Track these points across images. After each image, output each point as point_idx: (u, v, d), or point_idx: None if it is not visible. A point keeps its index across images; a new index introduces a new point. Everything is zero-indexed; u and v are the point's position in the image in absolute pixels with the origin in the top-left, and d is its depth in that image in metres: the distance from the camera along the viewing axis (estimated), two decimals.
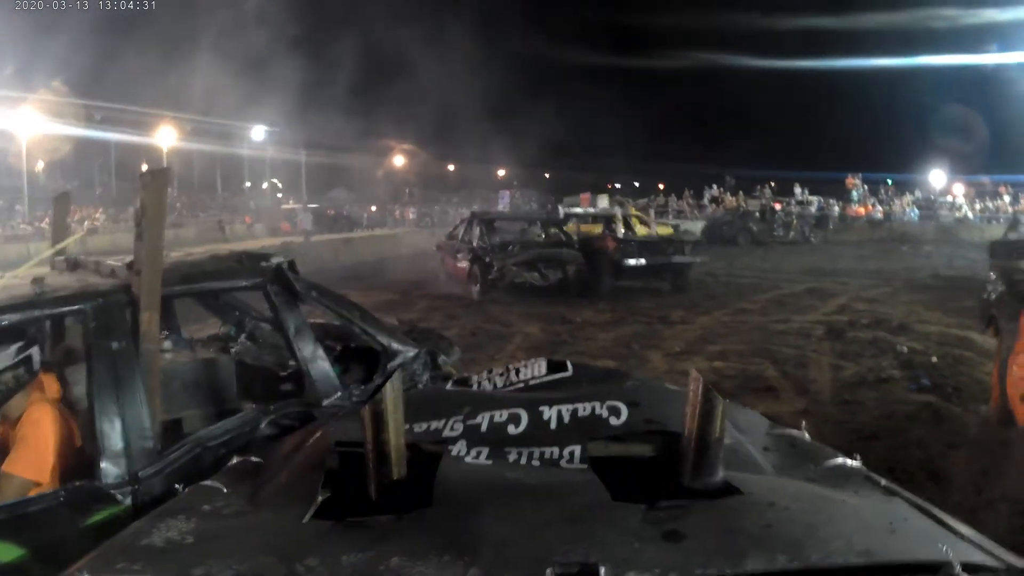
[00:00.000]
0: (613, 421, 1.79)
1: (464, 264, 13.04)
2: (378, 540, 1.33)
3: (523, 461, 1.65)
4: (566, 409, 1.84)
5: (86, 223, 29.07)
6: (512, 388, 2.20)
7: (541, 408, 1.85)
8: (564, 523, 1.34)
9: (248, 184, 52.81)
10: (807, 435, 1.98)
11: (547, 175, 66.95)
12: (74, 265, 3.21)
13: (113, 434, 2.43)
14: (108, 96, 32.87)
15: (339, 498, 1.53)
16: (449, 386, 2.32)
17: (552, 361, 2.29)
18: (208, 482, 1.77)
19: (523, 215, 19.78)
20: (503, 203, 34.75)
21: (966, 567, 1.16)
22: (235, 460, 1.97)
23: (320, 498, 1.53)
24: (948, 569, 1.15)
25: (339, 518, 1.44)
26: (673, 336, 8.98)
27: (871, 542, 1.25)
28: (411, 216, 42.17)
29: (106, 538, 1.65)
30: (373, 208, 45.56)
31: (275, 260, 3.29)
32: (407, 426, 1.62)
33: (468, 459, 1.65)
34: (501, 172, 61.94)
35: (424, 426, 1.83)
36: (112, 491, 2.35)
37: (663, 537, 1.26)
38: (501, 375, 2.28)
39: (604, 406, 1.84)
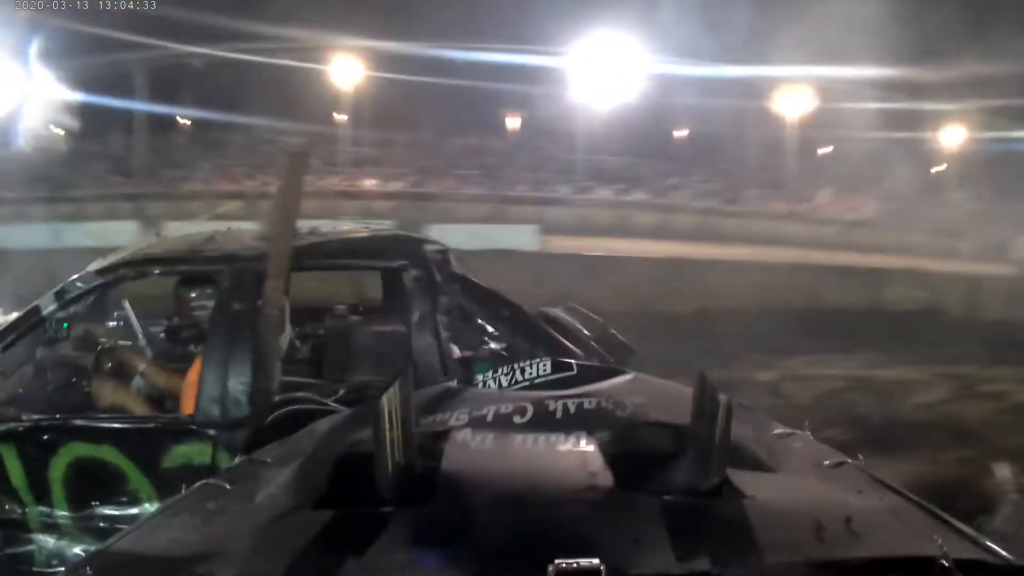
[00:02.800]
0: (619, 413, 1.85)
1: None
2: (381, 535, 1.36)
3: (528, 445, 1.70)
4: (572, 402, 1.90)
5: None
6: (518, 387, 2.28)
7: (547, 401, 1.91)
8: (567, 518, 1.37)
9: None
10: (810, 435, 2.06)
11: None
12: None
13: (215, 382, 3.06)
14: None
15: (344, 493, 1.57)
16: (455, 385, 2.37)
17: (557, 360, 2.36)
18: (212, 480, 1.83)
19: None
20: None
21: (963, 564, 1.21)
22: (239, 458, 2.00)
23: (324, 494, 1.58)
24: (946, 567, 1.19)
25: (343, 513, 1.48)
26: None
27: (872, 540, 1.32)
28: None
29: (185, 470, 1.98)
30: None
31: (432, 247, 3.63)
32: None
33: (473, 445, 1.71)
34: None
35: (430, 419, 1.90)
36: (200, 428, 3.09)
37: (666, 534, 1.30)
38: (506, 375, 2.35)
39: (610, 401, 1.90)
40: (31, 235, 16.42)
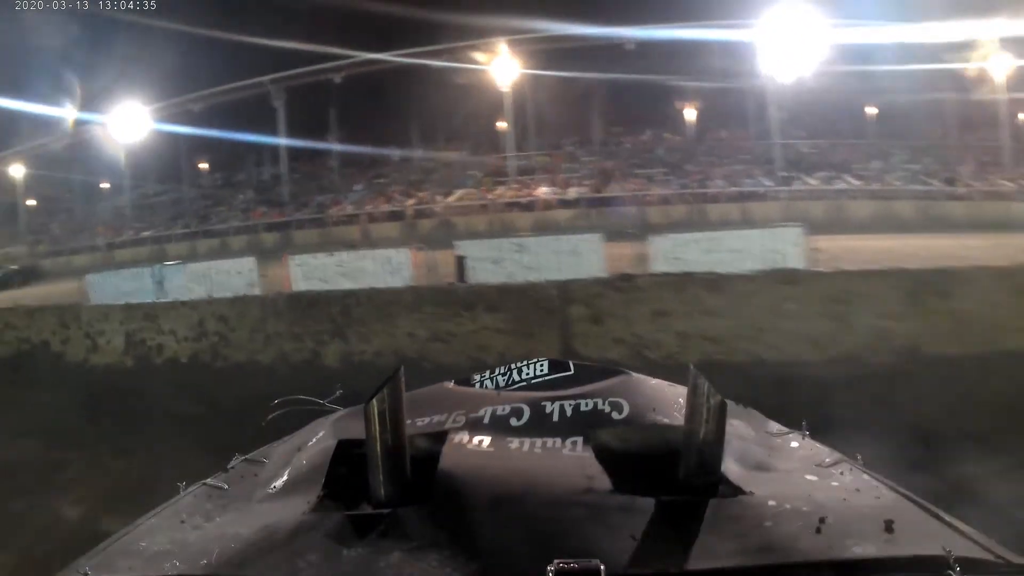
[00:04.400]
0: (615, 415, 1.90)
1: None
2: (379, 535, 1.41)
3: (525, 448, 1.76)
4: (568, 404, 1.96)
5: None
6: (515, 387, 2.33)
7: (543, 403, 1.98)
8: (565, 518, 1.42)
9: None
10: (807, 434, 2.06)
11: None
12: None
13: None
14: None
15: (341, 494, 1.64)
16: (451, 385, 2.39)
17: (554, 360, 2.40)
18: (210, 480, 1.91)
19: None
20: None
21: (963, 563, 1.23)
22: (237, 459, 2.11)
23: (321, 494, 1.63)
24: (946, 565, 1.22)
25: (340, 514, 1.53)
26: None
27: (871, 539, 1.33)
28: None
29: None
30: None
31: None
32: (409, 421, 1.77)
33: (470, 447, 1.77)
34: None
35: (427, 419, 1.98)
36: None
37: (663, 533, 1.35)
38: (503, 375, 2.39)
39: (606, 402, 1.95)
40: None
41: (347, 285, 12.24)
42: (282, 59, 28.94)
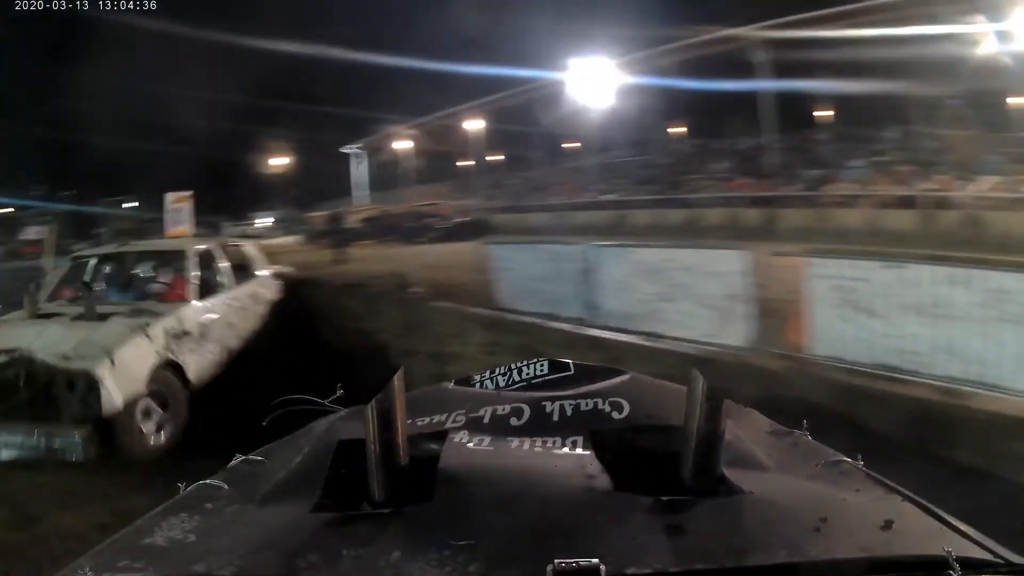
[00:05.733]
0: (615, 415, 1.96)
1: None
2: (379, 535, 1.43)
3: (525, 448, 1.82)
4: (568, 404, 2.03)
5: None
6: (515, 387, 2.39)
7: (543, 403, 2.06)
8: (565, 518, 1.45)
9: None
10: (808, 434, 2.09)
11: None
12: None
13: None
14: None
15: (341, 494, 1.66)
16: (451, 385, 2.49)
17: (554, 361, 2.48)
18: (210, 480, 1.92)
19: None
20: None
21: (965, 563, 1.27)
22: (237, 459, 2.13)
23: (321, 494, 1.67)
24: (946, 565, 1.26)
25: (340, 514, 1.57)
26: None
27: (871, 539, 1.38)
28: None
29: None
30: None
31: None
32: (409, 421, 1.83)
33: (470, 446, 1.83)
34: None
35: (426, 419, 2.04)
36: None
37: (664, 532, 1.38)
38: (503, 375, 2.46)
39: (606, 402, 2.02)
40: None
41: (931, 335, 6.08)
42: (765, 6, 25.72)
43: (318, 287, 13.22)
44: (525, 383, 2.37)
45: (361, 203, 42.69)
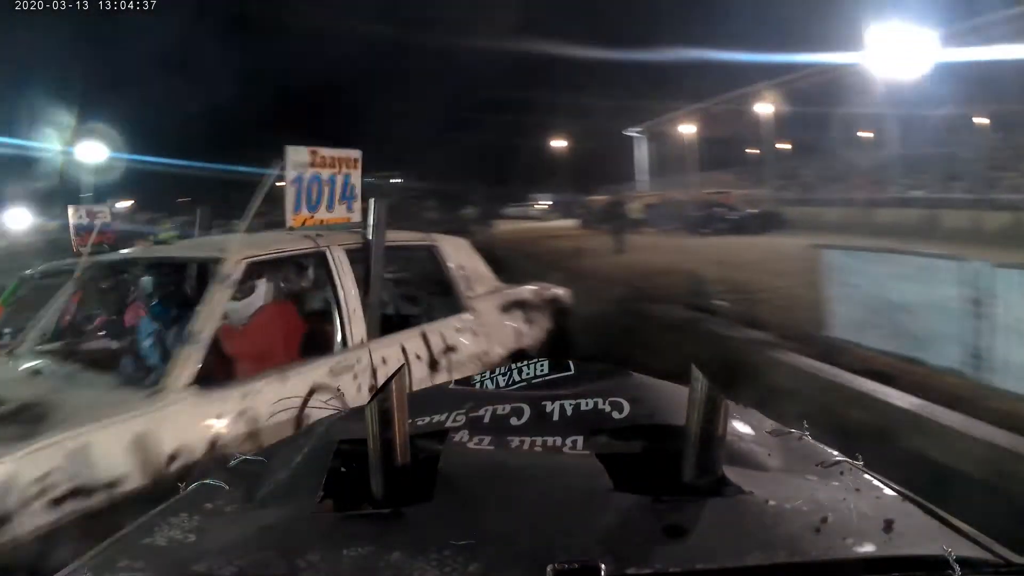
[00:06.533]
0: (615, 415, 1.95)
1: None
2: (379, 535, 1.42)
3: (525, 447, 1.82)
4: (569, 403, 2.03)
5: None
6: (515, 387, 2.41)
7: (544, 402, 2.06)
8: (565, 518, 1.43)
9: None
10: (808, 434, 2.05)
11: None
12: None
13: None
14: None
15: (341, 493, 1.65)
16: (451, 385, 2.50)
17: (554, 360, 2.49)
18: (210, 480, 1.90)
19: None
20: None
21: (964, 563, 1.28)
22: (237, 458, 2.11)
23: (321, 494, 1.65)
24: (946, 565, 1.27)
25: (341, 513, 1.57)
26: None
27: (871, 539, 1.37)
28: None
29: None
30: None
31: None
32: (409, 420, 1.78)
33: (470, 446, 1.84)
34: None
35: (427, 419, 2.04)
36: None
37: (664, 532, 1.36)
38: (503, 374, 2.47)
39: (606, 401, 2.01)
40: None
41: None
42: None
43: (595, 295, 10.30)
44: (525, 383, 2.40)
45: (641, 188, 41.76)
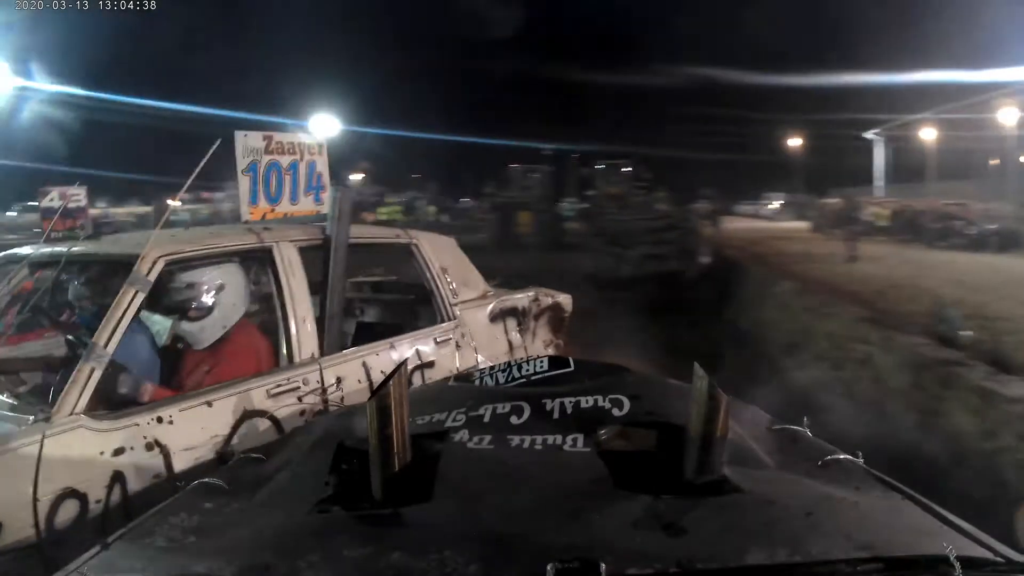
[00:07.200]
0: (616, 412, 1.96)
1: None
2: (380, 535, 1.46)
3: (525, 446, 1.84)
4: (568, 401, 2.04)
5: None
6: (514, 384, 2.44)
7: (544, 400, 2.07)
8: (565, 517, 1.47)
9: None
10: (808, 432, 2.09)
11: None
12: None
13: None
14: None
15: (341, 493, 1.68)
16: (451, 383, 2.57)
17: (553, 357, 2.51)
18: (209, 479, 1.93)
19: None
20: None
21: (965, 562, 1.28)
22: (237, 457, 2.17)
23: (321, 493, 1.69)
24: (947, 564, 1.27)
25: (341, 513, 1.59)
26: None
27: (871, 537, 1.38)
28: None
29: None
30: None
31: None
32: (410, 419, 1.81)
33: (471, 445, 1.86)
34: None
35: (427, 418, 2.06)
36: None
37: (664, 531, 1.40)
38: (503, 371, 2.50)
39: (606, 399, 2.02)
40: None
41: None
42: None
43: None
44: (525, 380, 2.39)
45: (876, 194, 40.73)
